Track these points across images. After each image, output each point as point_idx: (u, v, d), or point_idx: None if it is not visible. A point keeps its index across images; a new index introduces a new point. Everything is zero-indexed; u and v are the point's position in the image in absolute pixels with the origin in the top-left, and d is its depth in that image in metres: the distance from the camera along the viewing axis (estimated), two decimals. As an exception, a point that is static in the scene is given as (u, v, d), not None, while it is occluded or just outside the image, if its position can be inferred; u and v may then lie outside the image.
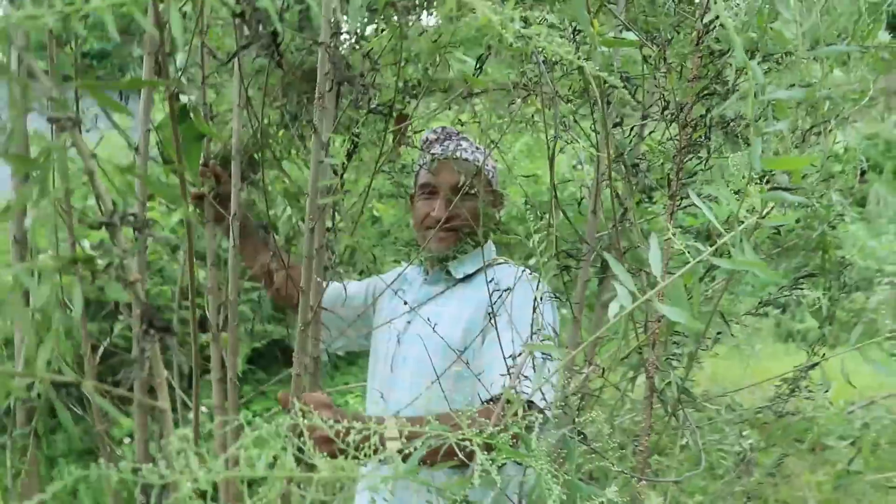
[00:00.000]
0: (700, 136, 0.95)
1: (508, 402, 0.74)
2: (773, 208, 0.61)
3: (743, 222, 0.65)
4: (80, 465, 4.59)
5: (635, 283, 0.97)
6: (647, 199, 1.17)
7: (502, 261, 1.70)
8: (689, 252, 0.59)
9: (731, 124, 0.98)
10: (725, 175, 0.97)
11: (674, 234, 0.66)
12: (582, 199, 1.37)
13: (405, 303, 1.66)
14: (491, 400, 1.41)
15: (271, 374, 5.04)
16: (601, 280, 1.32)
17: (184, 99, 1.64)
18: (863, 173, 1.33)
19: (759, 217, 0.62)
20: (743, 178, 0.75)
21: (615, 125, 0.93)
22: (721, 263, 0.57)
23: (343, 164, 1.94)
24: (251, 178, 1.94)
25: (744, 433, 1.46)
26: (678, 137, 0.96)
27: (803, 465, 4.23)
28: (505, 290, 1.46)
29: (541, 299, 1.15)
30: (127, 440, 4.34)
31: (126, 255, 0.52)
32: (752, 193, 0.60)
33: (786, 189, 0.57)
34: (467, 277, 1.68)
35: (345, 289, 1.89)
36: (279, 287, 1.82)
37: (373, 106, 0.83)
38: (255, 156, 2.05)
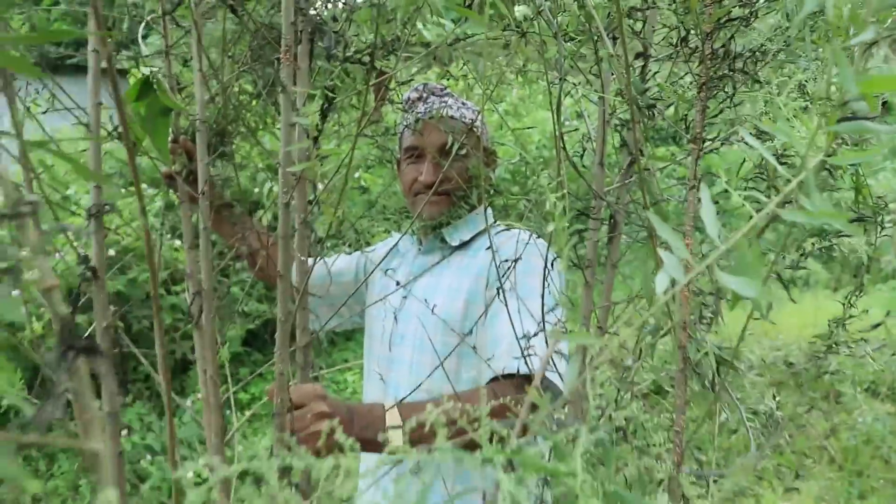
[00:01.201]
0: (725, 70, 0.82)
1: (533, 404, 0.63)
2: (840, 144, 0.49)
3: (790, 164, 0.53)
4: (82, 459, 4.50)
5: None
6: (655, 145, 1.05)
7: (502, 225, 1.59)
8: (748, 203, 0.47)
9: (757, 54, 0.85)
10: (757, 111, 0.85)
11: (727, 182, 0.54)
12: (584, 151, 1.25)
13: (396, 282, 1.55)
14: (498, 378, 1.30)
15: (268, 355, 4.94)
16: (610, 239, 1.20)
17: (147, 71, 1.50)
18: (884, 104, 1.20)
19: (826, 155, 0.50)
20: (801, 109, 0.63)
21: (639, 56, 0.81)
22: (793, 217, 0.45)
23: (317, 125, 1.82)
24: (224, 151, 1.82)
25: (768, 390, 1.36)
26: (698, 72, 0.83)
27: (817, 413, 4.15)
28: (514, 261, 1.34)
29: (552, 265, 1.04)
30: (124, 433, 4.25)
31: (34, 256, 0.40)
32: (821, 126, 0.48)
33: (868, 118, 0.46)
34: (464, 244, 1.56)
35: (331, 263, 1.78)
36: (262, 267, 1.71)
37: (349, 55, 0.70)
38: (229, 127, 1.91)
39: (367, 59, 0.69)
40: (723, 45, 0.84)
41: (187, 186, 1.37)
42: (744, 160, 0.83)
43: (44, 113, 1.57)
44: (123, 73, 1.66)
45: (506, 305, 1.37)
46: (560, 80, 0.73)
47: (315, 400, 1.13)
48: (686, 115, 0.93)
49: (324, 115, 0.63)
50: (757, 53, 0.85)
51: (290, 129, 0.76)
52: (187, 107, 1.69)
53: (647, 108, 0.83)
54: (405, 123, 1.55)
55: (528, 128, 1.35)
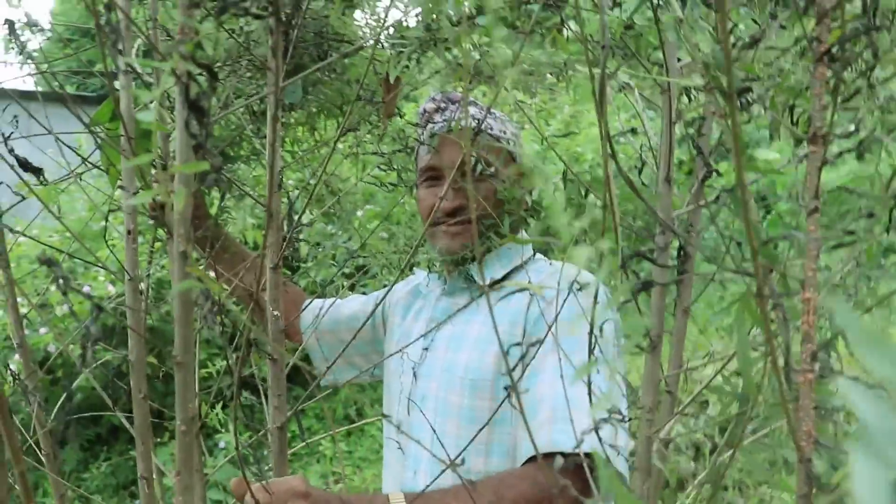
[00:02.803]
0: (860, 28, 0.54)
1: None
2: None
3: None
4: (117, 500, 4.32)
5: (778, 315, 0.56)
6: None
7: (542, 259, 1.30)
8: None
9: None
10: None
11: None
12: (643, 165, 0.96)
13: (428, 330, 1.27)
14: (535, 458, 1.02)
15: (306, 387, 4.70)
16: (679, 280, 0.92)
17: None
18: None
19: None
20: None
21: None
22: None
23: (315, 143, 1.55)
24: (220, 178, 1.59)
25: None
26: (817, 36, 0.55)
27: None
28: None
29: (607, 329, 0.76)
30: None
31: None
32: None
33: None
34: (496, 284, 1.28)
35: (344, 305, 1.52)
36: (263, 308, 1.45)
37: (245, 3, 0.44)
38: (230, 151, 1.68)
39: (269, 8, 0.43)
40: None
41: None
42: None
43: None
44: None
45: (547, 362, 1.10)
46: (602, 49, 0.45)
47: (293, 499, 0.86)
48: (793, 104, 0.64)
49: (198, 109, 0.37)
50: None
51: (275, 153, 0.50)
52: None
53: (740, 94, 0.54)
54: (420, 140, 1.28)
55: (566, 134, 1.08)
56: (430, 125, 1.25)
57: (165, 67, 0.35)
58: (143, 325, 0.82)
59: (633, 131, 1.01)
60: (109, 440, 4.44)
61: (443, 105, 1.26)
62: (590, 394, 0.72)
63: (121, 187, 0.88)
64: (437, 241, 1.26)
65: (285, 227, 0.88)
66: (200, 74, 0.40)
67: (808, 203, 0.54)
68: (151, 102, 0.39)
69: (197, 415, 0.54)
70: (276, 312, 0.87)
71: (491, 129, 1.24)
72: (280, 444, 0.86)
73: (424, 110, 1.28)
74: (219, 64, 1.18)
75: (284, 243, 0.87)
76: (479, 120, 1.24)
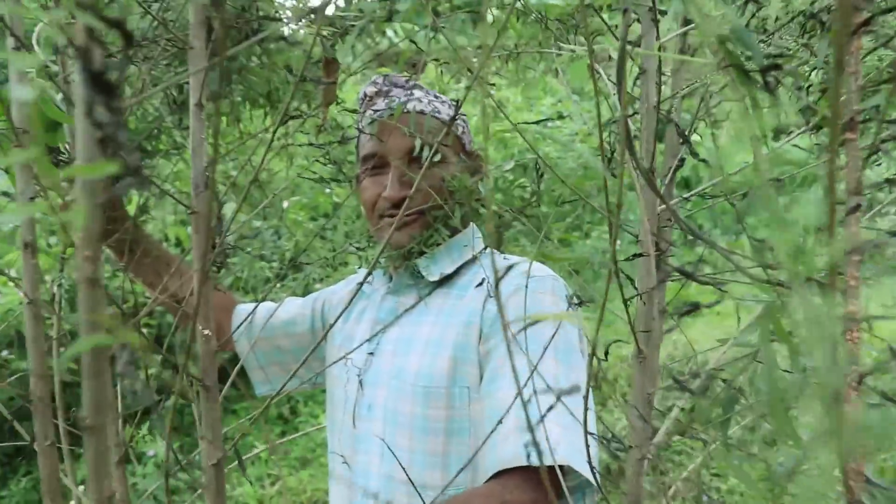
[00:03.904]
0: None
1: None
2: None
3: None
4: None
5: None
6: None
7: (496, 253, 1.21)
8: None
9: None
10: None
11: None
12: (612, 154, 0.89)
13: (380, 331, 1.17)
14: (505, 471, 0.93)
15: (240, 389, 4.49)
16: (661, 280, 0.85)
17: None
18: None
19: None
20: None
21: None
22: None
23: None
24: (142, 180, 1.45)
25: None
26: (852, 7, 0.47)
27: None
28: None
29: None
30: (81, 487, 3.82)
31: None
32: None
33: None
34: (446, 280, 1.18)
35: (279, 308, 1.40)
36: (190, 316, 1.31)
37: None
38: (147, 145, 1.54)
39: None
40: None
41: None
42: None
43: None
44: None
45: (509, 363, 1.01)
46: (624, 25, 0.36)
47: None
48: (806, 86, 0.56)
49: (105, 86, 0.28)
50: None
51: (201, 146, 0.39)
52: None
53: (763, 72, 0.46)
54: (361, 126, 1.17)
55: (545, 119, 0.99)
56: (371, 111, 1.15)
57: (52, 21, 0.24)
58: (42, 358, 0.70)
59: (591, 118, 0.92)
60: (31, 452, 4.16)
61: (385, 88, 1.16)
62: (590, 415, 0.64)
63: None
64: (383, 234, 1.16)
65: (214, 231, 0.77)
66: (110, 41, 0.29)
67: (849, 200, 0.46)
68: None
69: (113, 495, 0.43)
70: (206, 331, 0.76)
71: (438, 112, 1.14)
72: (217, 483, 0.75)
73: (365, 94, 1.18)
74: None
75: (215, 250, 0.75)
76: (427, 104, 1.14)
